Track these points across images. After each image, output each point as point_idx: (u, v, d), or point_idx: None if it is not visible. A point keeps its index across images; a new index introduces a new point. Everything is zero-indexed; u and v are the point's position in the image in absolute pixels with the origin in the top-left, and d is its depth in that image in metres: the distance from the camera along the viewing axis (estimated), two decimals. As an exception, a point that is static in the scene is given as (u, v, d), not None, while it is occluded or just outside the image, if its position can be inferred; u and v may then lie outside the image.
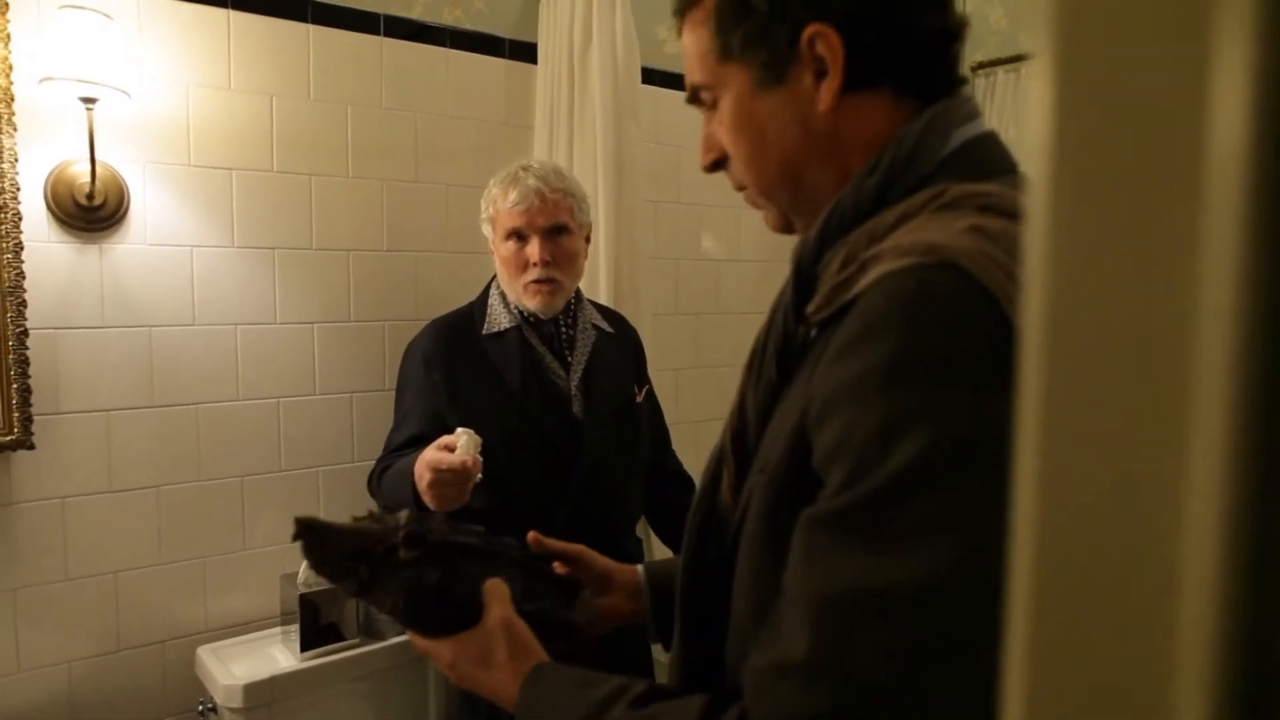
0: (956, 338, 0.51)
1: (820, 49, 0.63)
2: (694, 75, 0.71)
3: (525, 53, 2.16)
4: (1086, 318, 0.19)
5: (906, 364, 0.51)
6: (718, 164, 0.75)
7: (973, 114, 0.65)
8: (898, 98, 0.65)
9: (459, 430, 1.35)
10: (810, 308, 0.63)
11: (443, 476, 1.33)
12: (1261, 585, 0.17)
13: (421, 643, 0.85)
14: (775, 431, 0.64)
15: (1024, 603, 0.21)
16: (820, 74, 0.64)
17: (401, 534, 0.83)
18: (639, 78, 2.14)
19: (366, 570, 0.82)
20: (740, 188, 0.76)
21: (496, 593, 0.85)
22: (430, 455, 1.35)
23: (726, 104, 0.69)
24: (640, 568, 0.99)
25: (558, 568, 0.98)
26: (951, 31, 0.65)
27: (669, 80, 2.43)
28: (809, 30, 0.62)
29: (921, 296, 0.52)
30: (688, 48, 0.71)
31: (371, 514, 0.88)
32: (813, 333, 0.66)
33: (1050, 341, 0.20)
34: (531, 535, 0.97)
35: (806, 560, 0.54)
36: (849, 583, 0.51)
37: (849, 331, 0.55)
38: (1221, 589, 0.17)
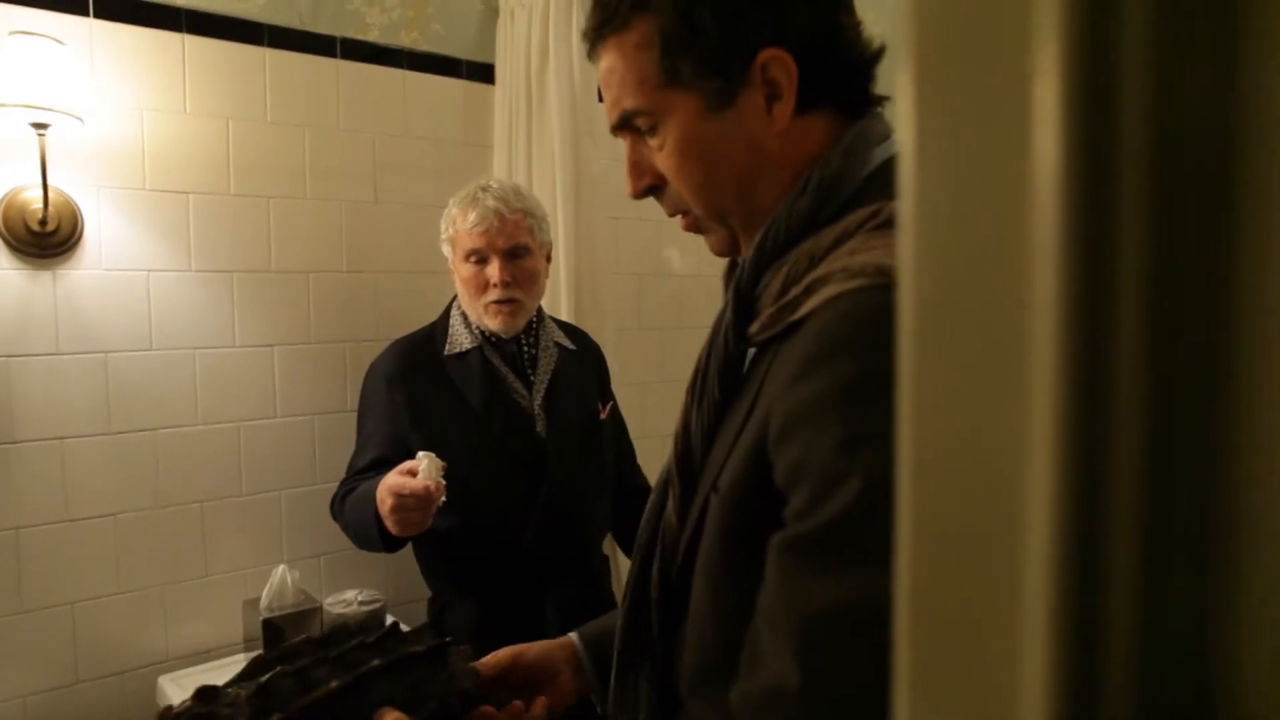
0: None
1: (774, 73, 0.64)
2: (627, 101, 0.69)
3: (483, 73, 2.18)
4: (945, 323, 0.21)
5: (864, 383, 0.52)
6: (651, 189, 0.73)
7: (888, 132, 0.67)
8: (835, 116, 0.67)
9: (420, 454, 1.35)
10: (753, 328, 0.64)
11: (405, 502, 1.33)
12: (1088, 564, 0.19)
13: None
14: (723, 451, 0.65)
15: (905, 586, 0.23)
16: (772, 97, 0.65)
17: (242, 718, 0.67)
18: (596, 96, 2.16)
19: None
20: (675, 213, 0.74)
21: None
22: (392, 480, 1.35)
23: (672, 130, 0.67)
24: (573, 636, 0.91)
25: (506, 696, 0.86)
26: (876, 53, 0.68)
27: (627, 99, 2.46)
28: (764, 55, 0.63)
29: (876, 317, 0.53)
30: (615, 72, 0.69)
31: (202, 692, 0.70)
32: (751, 353, 0.67)
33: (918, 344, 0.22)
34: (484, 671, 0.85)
35: (784, 583, 0.55)
36: (830, 604, 0.52)
37: (805, 352, 0.56)
38: (1057, 575, 0.19)
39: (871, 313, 0.54)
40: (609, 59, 0.69)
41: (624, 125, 0.71)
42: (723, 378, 0.67)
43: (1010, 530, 0.21)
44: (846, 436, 0.52)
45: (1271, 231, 0.19)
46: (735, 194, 0.68)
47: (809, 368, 0.55)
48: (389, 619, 1.43)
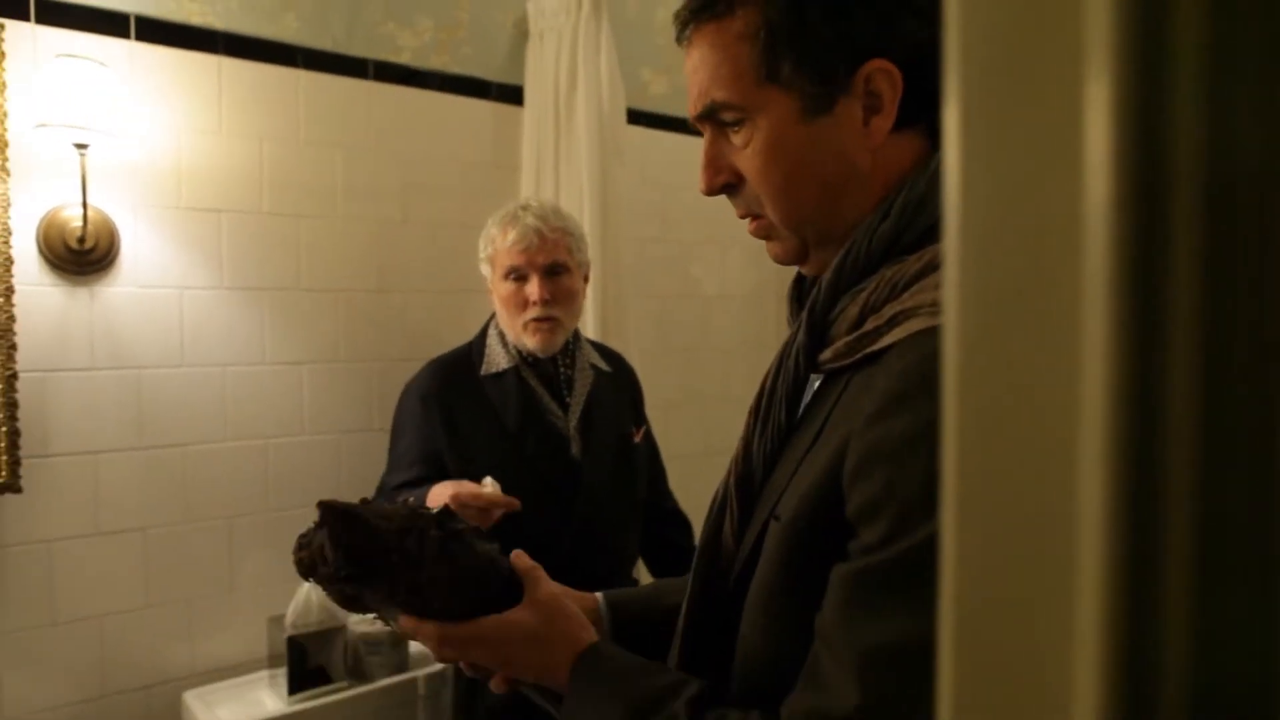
0: None
1: (878, 84, 0.61)
2: (717, 93, 0.65)
3: (512, 95, 2.20)
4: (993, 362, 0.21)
5: None
6: (726, 187, 0.69)
7: None
8: (927, 137, 0.65)
9: (486, 480, 1.38)
10: (826, 354, 0.63)
11: (466, 502, 1.34)
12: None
13: (456, 632, 0.74)
14: (785, 477, 0.64)
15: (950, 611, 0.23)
16: (871, 109, 0.62)
17: (435, 515, 0.77)
18: (624, 119, 2.18)
19: (414, 545, 0.73)
20: (746, 215, 0.71)
21: (535, 572, 0.79)
22: (461, 488, 1.37)
23: (761, 129, 0.64)
24: (600, 596, 0.91)
25: None
26: None
27: (654, 121, 2.48)
28: (871, 65, 0.61)
29: None
30: (707, 60, 0.65)
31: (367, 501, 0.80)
32: (817, 380, 0.66)
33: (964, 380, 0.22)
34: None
35: (850, 612, 0.55)
36: (896, 637, 0.52)
37: (889, 388, 0.55)
38: (1109, 595, 0.19)
39: None
40: (703, 46, 0.66)
41: (708, 117, 0.67)
42: (789, 403, 0.66)
43: (1063, 573, 0.21)
44: (928, 478, 0.51)
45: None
46: (816, 205, 0.65)
47: (893, 405, 0.54)
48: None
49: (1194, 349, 0.19)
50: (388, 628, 1.65)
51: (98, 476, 1.68)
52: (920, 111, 0.63)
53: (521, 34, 2.21)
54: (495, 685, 0.79)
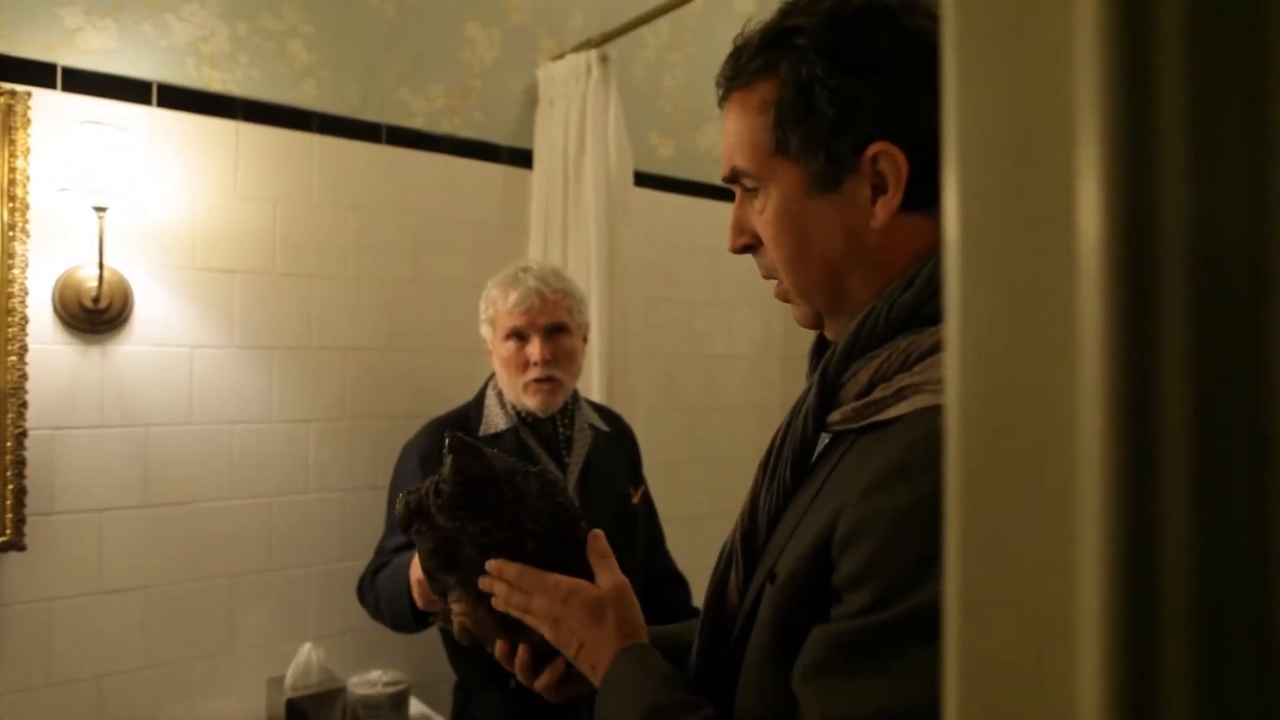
0: None
1: (883, 166, 0.62)
2: (737, 159, 0.69)
3: (521, 159, 2.25)
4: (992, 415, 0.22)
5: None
6: (748, 248, 0.73)
7: None
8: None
9: None
10: (834, 417, 0.64)
11: None
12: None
13: (535, 574, 0.81)
14: (784, 536, 0.65)
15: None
16: (878, 189, 0.63)
17: (537, 468, 0.88)
18: (631, 181, 2.22)
19: (522, 482, 0.84)
20: (768, 277, 0.74)
21: (610, 557, 0.86)
22: None
23: (773, 199, 0.67)
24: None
25: None
26: None
27: (661, 184, 2.52)
28: (875, 147, 0.62)
29: None
30: (732, 127, 0.69)
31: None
32: (825, 439, 0.67)
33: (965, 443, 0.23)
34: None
35: (823, 677, 0.55)
36: (862, 703, 0.52)
37: (888, 462, 0.56)
38: (1107, 649, 0.19)
39: None
40: (733, 111, 0.70)
41: (732, 180, 0.71)
42: (795, 462, 0.66)
43: (1061, 666, 0.21)
44: (920, 556, 0.52)
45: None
46: (823, 277, 0.67)
47: (890, 480, 0.55)
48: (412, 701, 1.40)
49: (1187, 426, 0.19)
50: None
51: (102, 534, 1.68)
52: (934, 196, 0.62)
53: (531, 99, 2.27)
54: (521, 669, 0.86)
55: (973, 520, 0.23)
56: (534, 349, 1.55)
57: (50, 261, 1.63)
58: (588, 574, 0.84)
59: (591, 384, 2.05)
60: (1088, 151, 0.20)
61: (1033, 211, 0.21)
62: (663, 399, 2.50)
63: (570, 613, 0.79)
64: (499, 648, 0.88)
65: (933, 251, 0.63)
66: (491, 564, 0.83)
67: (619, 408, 1.94)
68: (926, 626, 0.50)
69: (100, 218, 1.60)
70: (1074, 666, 0.20)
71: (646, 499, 1.77)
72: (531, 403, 1.57)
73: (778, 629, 0.62)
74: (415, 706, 1.85)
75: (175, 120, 1.77)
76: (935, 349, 0.58)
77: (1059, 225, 0.21)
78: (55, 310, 1.63)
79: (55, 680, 1.63)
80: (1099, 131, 0.20)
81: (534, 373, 1.55)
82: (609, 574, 0.84)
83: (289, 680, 1.65)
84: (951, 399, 0.23)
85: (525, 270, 1.61)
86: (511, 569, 0.82)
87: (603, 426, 1.71)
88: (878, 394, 0.59)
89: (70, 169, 1.56)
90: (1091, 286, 0.20)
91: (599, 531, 0.88)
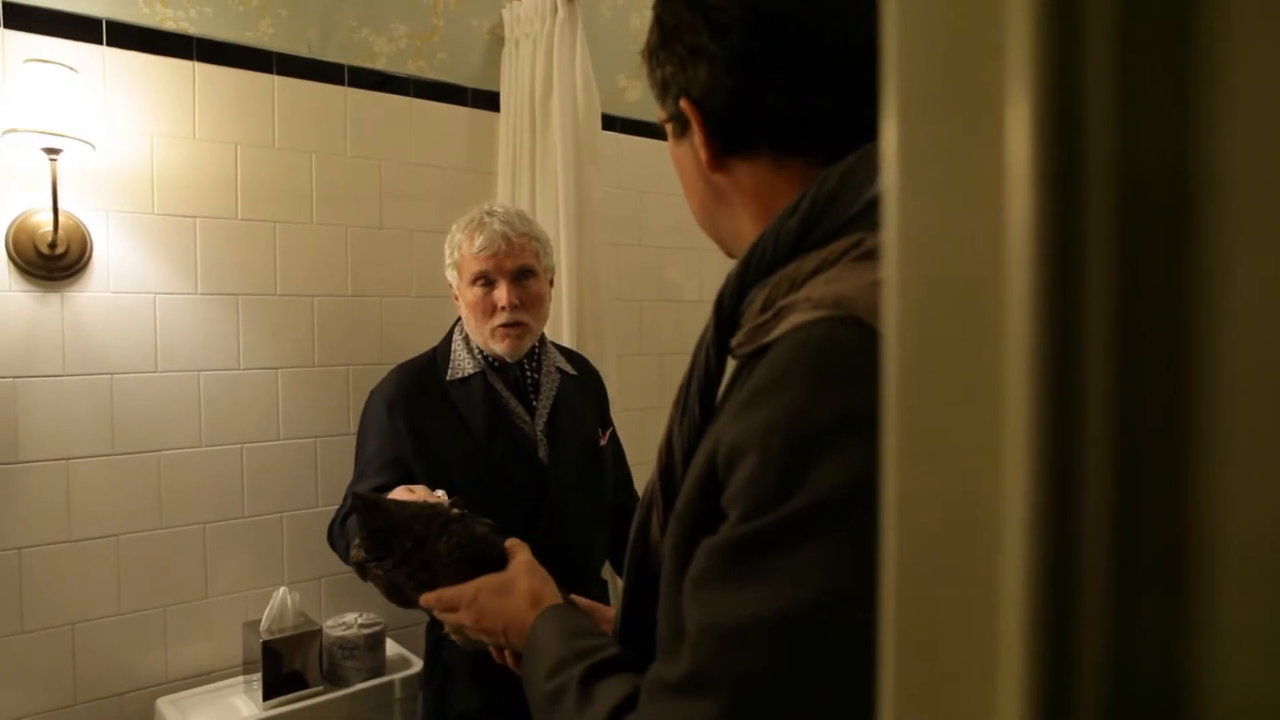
0: (854, 394, 0.52)
1: (690, 117, 0.67)
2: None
3: (488, 101, 2.21)
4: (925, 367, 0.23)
5: (807, 417, 0.53)
6: None
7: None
8: (778, 159, 0.66)
9: (438, 492, 1.36)
10: (734, 341, 0.65)
11: None
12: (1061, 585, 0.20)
13: (449, 593, 0.93)
14: (692, 469, 0.66)
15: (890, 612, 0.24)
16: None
17: (452, 500, 1.04)
18: (599, 124, 2.20)
19: (422, 527, 0.96)
20: None
21: (520, 545, 0.98)
22: (398, 492, 1.35)
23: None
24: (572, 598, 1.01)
25: None
26: (843, 107, 0.64)
27: (629, 127, 2.50)
28: (681, 101, 0.67)
29: (826, 351, 0.54)
30: None
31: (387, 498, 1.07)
32: (734, 368, 0.68)
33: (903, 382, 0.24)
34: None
35: (703, 589, 0.57)
36: (739, 609, 0.54)
37: (758, 380, 0.57)
38: (1030, 598, 0.20)
39: (822, 345, 0.54)
40: None
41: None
42: (702, 395, 0.68)
43: (987, 565, 0.22)
44: (785, 466, 0.53)
45: (1231, 284, 0.20)
46: (702, 217, 0.73)
47: (759, 395, 0.56)
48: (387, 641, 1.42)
49: (1110, 346, 0.21)
50: (362, 635, 1.65)
51: (69, 482, 1.67)
52: (749, 142, 0.66)
53: (497, 40, 2.22)
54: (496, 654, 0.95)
55: (906, 414, 0.24)
56: (501, 294, 1.54)
57: (2, 206, 1.59)
58: (502, 559, 0.96)
59: (562, 330, 2.05)
60: (1018, 63, 0.21)
61: (965, 121, 0.22)
62: (633, 344, 2.51)
63: (481, 606, 0.89)
64: (493, 652, 0.97)
65: (775, 189, 0.66)
66: (422, 600, 0.96)
67: (589, 352, 1.94)
68: (800, 533, 0.52)
69: (53, 161, 1.55)
70: (1000, 553, 0.22)
71: (614, 442, 1.79)
72: (499, 348, 1.57)
73: (678, 554, 0.63)
74: (391, 648, 1.89)
75: (127, 60, 1.71)
76: (816, 271, 0.60)
77: (989, 136, 0.21)
78: (10, 256, 1.60)
79: (27, 627, 1.63)
80: (1028, 47, 0.21)
81: (501, 318, 1.54)
82: (515, 554, 0.96)
83: (265, 623, 1.67)
84: (889, 300, 0.24)
85: (490, 214, 1.59)
86: (433, 598, 0.95)
87: (570, 370, 1.71)
88: (764, 317, 0.61)
89: (17, 111, 1.51)
90: (1020, 197, 0.21)
91: (514, 540, 1.01)
